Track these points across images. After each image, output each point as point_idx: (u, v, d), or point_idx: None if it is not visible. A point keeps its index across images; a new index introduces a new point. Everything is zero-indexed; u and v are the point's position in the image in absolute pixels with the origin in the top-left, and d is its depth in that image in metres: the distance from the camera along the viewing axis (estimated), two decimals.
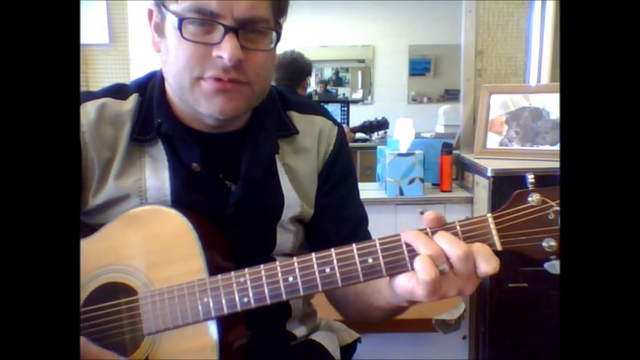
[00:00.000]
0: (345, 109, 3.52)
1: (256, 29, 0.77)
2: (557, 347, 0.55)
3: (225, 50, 0.74)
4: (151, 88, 0.88)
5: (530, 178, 0.67)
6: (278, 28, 0.80)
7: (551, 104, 2.02)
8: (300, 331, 0.95)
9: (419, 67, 5.15)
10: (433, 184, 2.18)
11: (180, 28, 0.75)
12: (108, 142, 0.84)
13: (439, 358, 2.00)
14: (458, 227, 0.67)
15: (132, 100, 0.86)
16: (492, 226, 0.67)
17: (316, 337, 0.98)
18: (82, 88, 0.82)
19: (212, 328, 0.74)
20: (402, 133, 2.09)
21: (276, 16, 0.79)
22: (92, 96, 0.86)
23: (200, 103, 0.78)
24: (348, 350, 1.06)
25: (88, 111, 0.83)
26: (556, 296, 1.83)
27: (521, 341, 1.90)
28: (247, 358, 0.81)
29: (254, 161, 0.86)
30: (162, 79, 0.87)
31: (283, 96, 0.95)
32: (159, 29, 0.81)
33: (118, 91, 0.88)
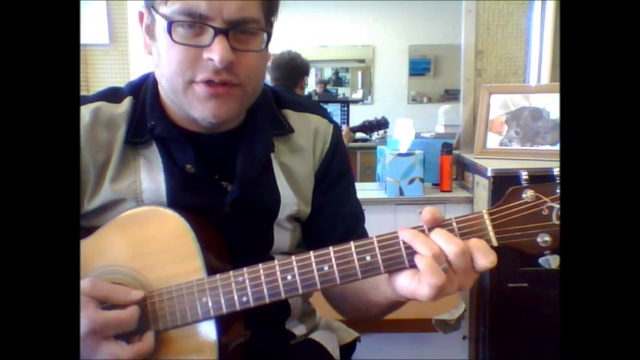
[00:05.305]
0: (345, 109, 3.51)
1: (247, 30, 0.76)
2: (557, 347, 0.55)
3: (216, 52, 0.73)
4: (144, 90, 0.88)
5: (524, 175, 0.68)
6: (269, 28, 0.80)
7: (551, 104, 2.02)
8: (299, 330, 0.95)
9: (419, 67, 5.15)
10: (433, 184, 2.18)
11: (169, 32, 0.74)
12: (103, 145, 0.83)
13: (439, 358, 2.00)
14: (454, 224, 0.68)
15: (126, 103, 0.86)
16: (488, 222, 0.68)
17: (315, 336, 0.98)
18: (82, 88, 0.82)
19: (211, 327, 0.74)
20: (402, 133, 2.09)
21: (266, 15, 0.79)
22: (86, 100, 0.85)
23: (193, 106, 0.78)
24: (347, 350, 1.06)
25: (83, 115, 0.83)
26: (556, 296, 1.83)
27: (521, 341, 1.90)
28: (247, 358, 0.81)
29: (249, 161, 0.86)
30: (154, 81, 0.86)
31: (278, 95, 0.94)
32: (150, 32, 0.80)
33: (112, 95, 0.87)
